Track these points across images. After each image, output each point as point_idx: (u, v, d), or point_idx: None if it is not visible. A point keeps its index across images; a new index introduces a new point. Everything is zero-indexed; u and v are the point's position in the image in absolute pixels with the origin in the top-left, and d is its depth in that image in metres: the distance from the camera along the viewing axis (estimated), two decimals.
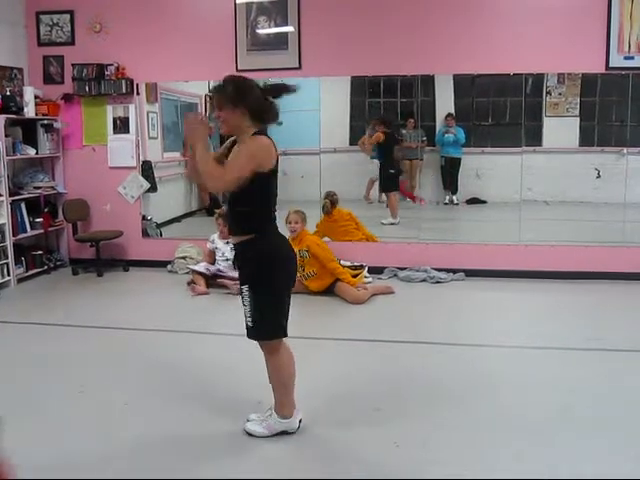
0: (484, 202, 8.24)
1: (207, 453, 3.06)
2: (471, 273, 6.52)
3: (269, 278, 3.00)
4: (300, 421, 3.26)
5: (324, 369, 4.13)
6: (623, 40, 6.23)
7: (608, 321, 5.12)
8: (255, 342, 3.12)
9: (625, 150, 7.63)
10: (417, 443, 3.13)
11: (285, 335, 3.11)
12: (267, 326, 3.05)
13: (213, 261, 6.39)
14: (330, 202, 6.81)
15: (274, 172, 3.01)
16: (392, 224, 7.68)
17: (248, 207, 3.00)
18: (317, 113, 7.06)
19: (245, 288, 3.04)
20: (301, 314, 5.30)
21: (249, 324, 3.06)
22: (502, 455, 3.00)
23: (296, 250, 5.76)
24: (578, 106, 8.14)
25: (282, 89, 3.06)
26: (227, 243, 6.36)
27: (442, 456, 3.00)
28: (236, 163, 2.92)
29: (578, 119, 8.26)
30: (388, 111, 7.97)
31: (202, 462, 2.97)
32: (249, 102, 2.96)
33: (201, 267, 6.25)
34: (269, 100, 3.04)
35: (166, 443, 3.17)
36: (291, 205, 6.12)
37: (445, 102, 8.15)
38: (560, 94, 8.10)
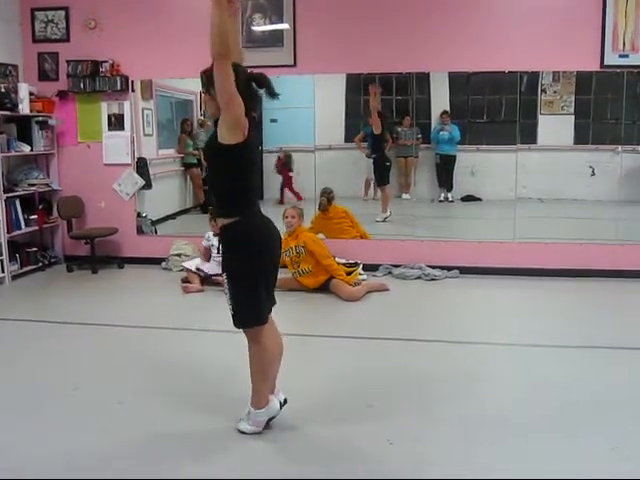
0: (479, 200, 8.25)
1: (201, 451, 3.06)
2: (465, 270, 6.54)
3: (243, 265, 3.02)
4: (285, 401, 3.30)
5: (317, 366, 4.15)
6: (618, 38, 6.24)
7: (602, 319, 5.13)
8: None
9: (620, 148, 7.65)
10: (411, 440, 3.14)
11: (263, 323, 3.12)
12: (245, 314, 3.08)
13: (208, 258, 6.39)
14: (327, 199, 6.83)
15: (247, 149, 3.01)
16: (385, 220, 7.70)
17: (225, 188, 3.04)
18: (312, 110, 7.06)
19: (224, 276, 3.08)
20: (295, 311, 5.34)
21: (230, 312, 3.10)
22: (498, 453, 3.01)
23: (292, 246, 5.84)
24: (573, 104, 8.16)
25: (267, 82, 3.05)
26: None
27: (437, 454, 3.01)
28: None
29: (573, 117, 8.28)
30: (383, 108, 7.98)
31: (196, 460, 2.98)
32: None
33: (194, 266, 6.24)
34: (253, 87, 3.04)
35: (161, 441, 3.17)
36: (287, 202, 6.14)
37: (440, 100, 8.16)
38: (555, 92, 8.12)
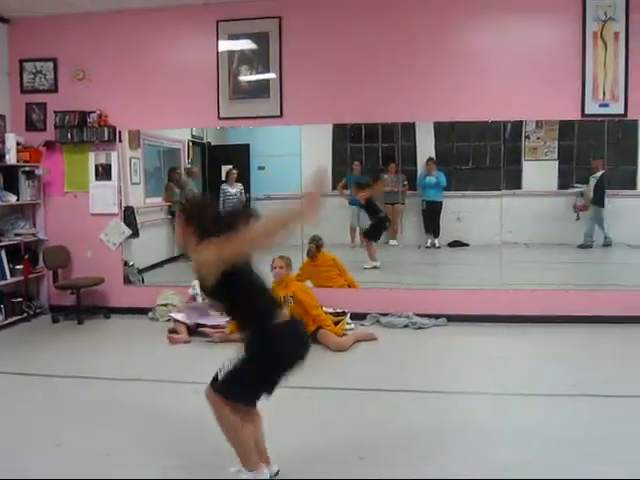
0: (466, 245, 8.31)
1: None
2: (453, 318, 6.52)
3: (261, 367, 2.99)
4: (277, 473, 3.25)
5: (306, 418, 4.11)
6: (598, 88, 6.36)
7: (591, 366, 5.10)
8: None
9: None
10: None
11: (247, 405, 3.10)
12: (237, 389, 3.01)
13: None
14: (315, 246, 6.82)
15: (241, 270, 2.96)
16: (374, 267, 7.72)
17: (238, 308, 3.03)
18: (298, 158, 7.10)
19: (242, 353, 3.01)
20: None
21: (219, 373, 3.03)
22: None
23: (281, 296, 5.82)
24: (556, 150, 8.31)
25: (241, 216, 3.06)
26: None
27: None
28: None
29: (556, 162, 8.42)
30: (369, 156, 8.09)
31: None
32: (198, 223, 2.99)
33: (182, 316, 6.21)
34: (222, 225, 2.96)
35: None
36: (274, 250, 6.13)
37: (426, 147, 8.28)
38: (538, 138, 8.27)
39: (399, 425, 4.00)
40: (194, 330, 6.13)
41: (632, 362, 5.23)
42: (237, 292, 2.97)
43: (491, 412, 4.21)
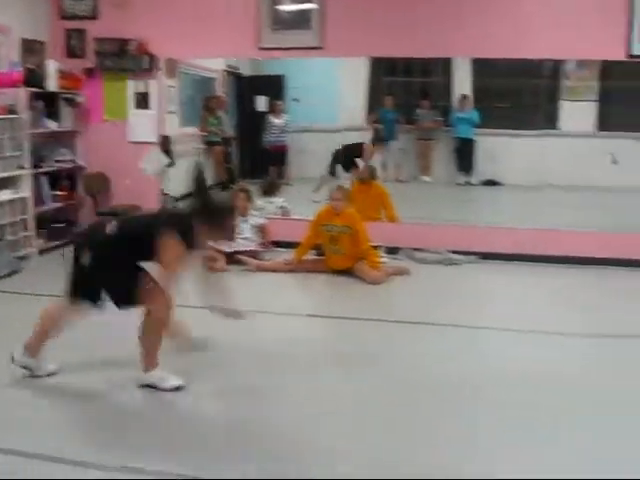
0: (500, 184, 8.27)
1: None
2: (486, 256, 6.50)
3: None
4: None
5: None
6: None
7: (620, 309, 5.08)
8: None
9: None
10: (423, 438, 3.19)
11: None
12: None
13: None
14: (369, 173, 6.98)
15: None
16: None
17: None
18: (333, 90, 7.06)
19: None
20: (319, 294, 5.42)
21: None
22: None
23: (338, 224, 5.86)
24: (597, 90, 8.15)
25: None
26: (245, 221, 6.43)
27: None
28: None
29: (596, 104, 8.27)
30: (405, 90, 8.04)
31: None
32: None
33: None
34: None
35: None
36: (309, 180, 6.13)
37: (462, 83, 8.19)
38: (578, 78, 8.11)
39: (424, 361, 4.07)
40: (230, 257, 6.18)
41: None
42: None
43: (514, 350, 4.25)
